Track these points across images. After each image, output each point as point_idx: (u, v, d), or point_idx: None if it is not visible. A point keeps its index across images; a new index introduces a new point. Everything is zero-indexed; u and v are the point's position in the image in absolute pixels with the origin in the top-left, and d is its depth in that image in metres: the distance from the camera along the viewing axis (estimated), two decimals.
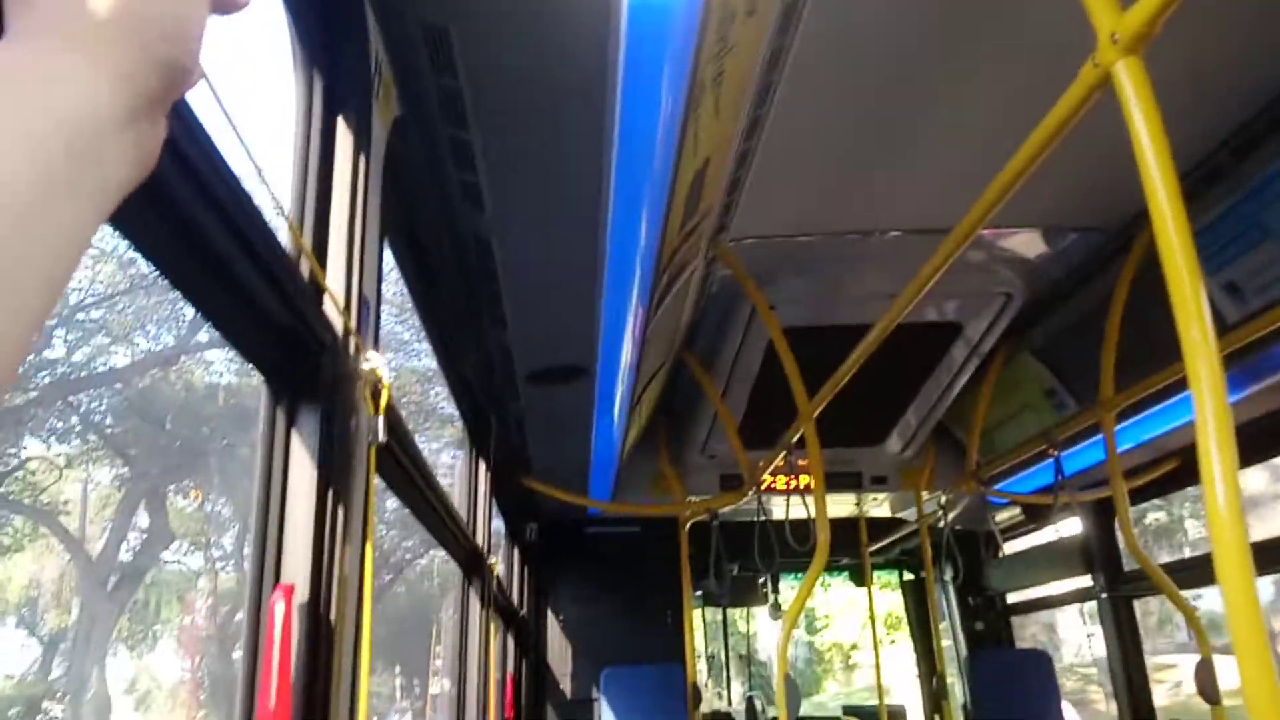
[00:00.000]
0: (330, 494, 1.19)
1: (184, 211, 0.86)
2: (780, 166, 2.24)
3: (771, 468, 3.44)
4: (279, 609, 1.07)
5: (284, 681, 1.06)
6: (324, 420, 1.20)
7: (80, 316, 16.48)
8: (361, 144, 1.33)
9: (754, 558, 4.01)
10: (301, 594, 1.13)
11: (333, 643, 1.17)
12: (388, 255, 1.72)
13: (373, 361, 1.34)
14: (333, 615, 1.17)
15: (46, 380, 15.81)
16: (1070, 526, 4.53)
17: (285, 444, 1.17)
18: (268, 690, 1.06)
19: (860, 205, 2.53)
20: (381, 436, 1.36)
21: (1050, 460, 3.65)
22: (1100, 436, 3.06)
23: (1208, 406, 0.97)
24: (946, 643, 5.55)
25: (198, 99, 0.73)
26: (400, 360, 15.46)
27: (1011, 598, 5.41)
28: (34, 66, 0.35)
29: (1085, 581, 4.42)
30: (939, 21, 1.79)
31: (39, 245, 0.32)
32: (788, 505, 3.69)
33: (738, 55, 1.70)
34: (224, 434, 17.69)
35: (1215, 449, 0.94)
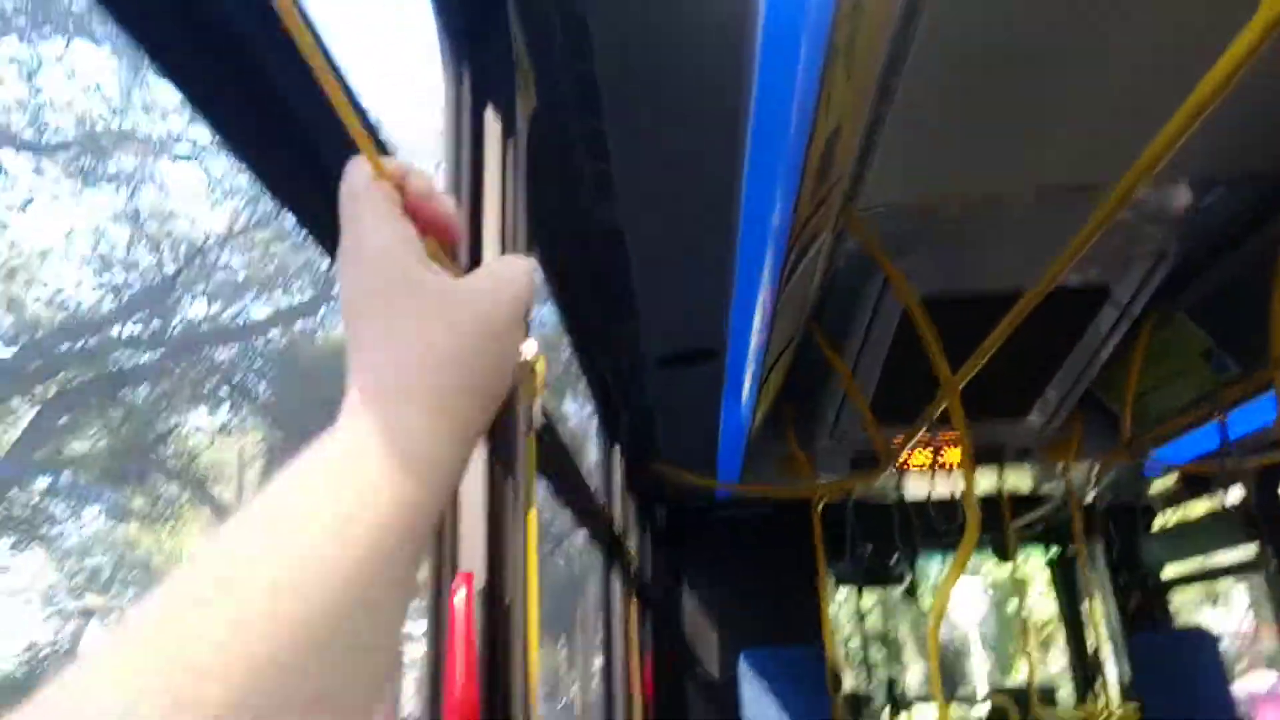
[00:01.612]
0: (499, 479, 1.22)
1: None
2: (913, 130, 2.15)
3: (911, 445, 3.34)
4: (460, 595, 1.11)
5: (470, 661, 1.09)
6: None
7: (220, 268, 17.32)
8: (509, 136, 1.34)
9: (892, 538, 3.90)
10: (480, 580, 1.16)
11: (510, 624, 1.20)
12: None
13: (527, 349, 1.36)
14: (506, 598, 1.21)
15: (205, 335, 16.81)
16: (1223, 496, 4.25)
17: None
18: (454, 671, 1.10)
19: (997, 166, 2.41)
20: (537, 422, 1.38)
21: (1209, 425, 3.43)
22: (1267, 396, 2.85)
23: None
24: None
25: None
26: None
27: (1166, 572, 5.12)
28: (403, 427, 0.44)
29: (1248, 553, 4.15)
30: None
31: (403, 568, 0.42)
32: (932, 482, 3.56)
33: (871, 14, 1.65)
34: None
35: None
